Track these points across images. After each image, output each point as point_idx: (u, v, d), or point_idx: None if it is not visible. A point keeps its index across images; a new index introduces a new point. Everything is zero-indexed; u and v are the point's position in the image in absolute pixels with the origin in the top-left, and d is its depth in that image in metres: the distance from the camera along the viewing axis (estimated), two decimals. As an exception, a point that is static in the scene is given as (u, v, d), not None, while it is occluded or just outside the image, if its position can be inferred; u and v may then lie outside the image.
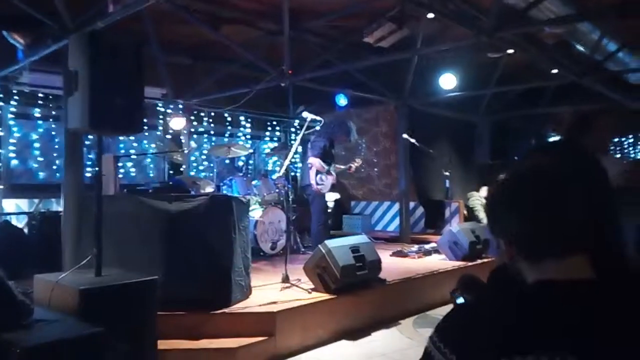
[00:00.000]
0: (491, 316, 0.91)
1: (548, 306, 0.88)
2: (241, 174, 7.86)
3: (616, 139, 11.60)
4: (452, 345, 0.90)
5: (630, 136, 12.22)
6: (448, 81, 8.31)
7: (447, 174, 8.53)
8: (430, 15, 6.28)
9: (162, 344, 3.64)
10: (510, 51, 7.58)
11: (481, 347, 0.86)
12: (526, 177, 0.98)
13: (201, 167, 9.57)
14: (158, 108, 8.90)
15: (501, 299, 0.97)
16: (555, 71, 8.08)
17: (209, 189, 6.98)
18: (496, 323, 0.89)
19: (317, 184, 6.95)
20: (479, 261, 6.88)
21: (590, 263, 0.92)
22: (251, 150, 8.72)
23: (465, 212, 9.40)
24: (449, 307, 1.14)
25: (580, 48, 7.26)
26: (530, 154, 1.03)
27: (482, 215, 9.10)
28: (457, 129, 10.50)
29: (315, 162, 6.93)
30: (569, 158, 0.97)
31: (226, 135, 10.14)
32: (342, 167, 7.78)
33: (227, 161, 8.67)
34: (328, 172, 7.03)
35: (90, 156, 6.88)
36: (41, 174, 7.70)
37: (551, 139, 11.38)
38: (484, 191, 9.43)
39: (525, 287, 0.95)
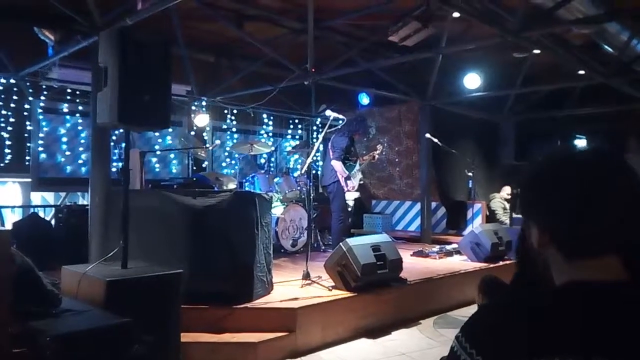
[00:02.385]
0: (520, 317, 0.88)
1: (583, 308, 0.86)
2: (263, 171, 7.92)
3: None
4: (479, 345, 0.87)
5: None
6: (472, 81, 8.24)
7: (470, 174, 8.47)
8: (456, 14, 6.24)
9: (185, 337, 3.70)
10: (536, 51, 7.48)
11: (509, 349, 0.84)
12: (576, 164, 0.93)
13: (224, 164, 9.66)
14: (183, 104, 9.00)
15: (530, 299, 0.93)
16: (582, 72, 7.96)
17: (232, 186, 7.04)
18: (525, 324, 0.86)
19: (346, 184, 6.98)
20: (501, 263, 6.81)
21: (623, 264, 0.90)
22: (273, 148, 8.76)
23: (487, 213, 9.34)
24: (470, 308, 1.11)
25: (609, 49, 7.14)
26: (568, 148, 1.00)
27: (503, 218, 9.04)
28: (481, 130, 10.42)
29: (337, 165, 6.91)
30: (610, 157, 0.94)
31: (249, 132, 10.22)
32: (367, 157, 7.79)
33: (250, 158, 8.74)
34: (348, 178, 6.99)
35: (116, 151, 7.02)
36: (68, 168, 7.85)
37: (578, 142, 11.23)
38: (505, 191, 9.36)
39: (557, 287, 0.93)
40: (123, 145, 3.81)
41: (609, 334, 0.82)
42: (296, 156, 10.74)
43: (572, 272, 0.92)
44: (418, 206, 9.56)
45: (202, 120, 8.63)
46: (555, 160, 0.97)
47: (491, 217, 9.28)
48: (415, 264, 6.49)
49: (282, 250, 7.14)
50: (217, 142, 8.55)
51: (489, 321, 0.92)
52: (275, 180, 7.62)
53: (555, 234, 0.93)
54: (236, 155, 8.37)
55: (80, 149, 7.95)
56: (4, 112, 7.31)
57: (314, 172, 6.93)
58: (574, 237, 0.91)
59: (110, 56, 3.49)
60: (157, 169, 8.77)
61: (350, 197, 7.31)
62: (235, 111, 9.71)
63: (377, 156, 7.92)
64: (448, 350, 0.94)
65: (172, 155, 8.98)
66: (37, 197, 7.66)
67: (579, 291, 0.89)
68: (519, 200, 1.11)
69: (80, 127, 7.96)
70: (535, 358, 0.82)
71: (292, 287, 4.98)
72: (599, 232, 0.90)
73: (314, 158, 5.59)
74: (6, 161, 7.33)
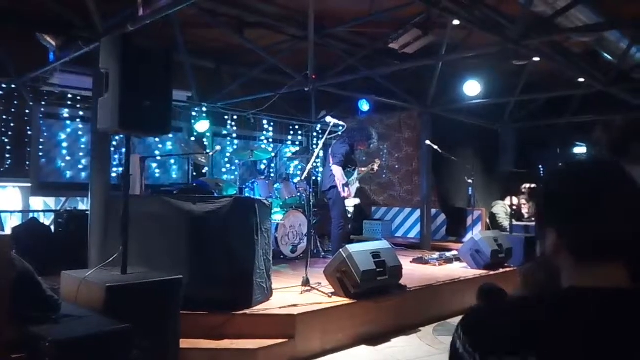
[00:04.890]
0: (519, 314, 0.93)
1: (579, 313, 0.88)
2: (263, 177, 7.92)
3: None
4: (470, 338, 0.93)
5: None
6: (472, 88, 8.26)
7: (470, 181, 8.47)
8: (456, 22, 6.26)
9: (184, 343, 3.69)
10: (536, 59, 7.51)
11: (494, 342, 0.89)
12: (593, 172, 0.98)
13: (224, 170, 9.67)
14: (183, 110, 9.02)
15: (532, 301, 0.98)
16: (581, 80, 7.98)
17: (232, 191, 7.04)
18: (521, 322, 0.90)
19: (344, 190, 6.94)
20: (501, 270, 6.81)
21: (629, 273, 0.93)
22: (273, 154, 8.78)
23: (487, 220, 9.34)
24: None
25: (608, 57, 7.17)
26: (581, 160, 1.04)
27: (506, 223, 9.03)
28: (481, 137, 10.42)
29: (337, 172, 6.90)
30: (618, 166, 0.98)
31: (249, 138, 10.24)
32: (365, 169, 7.80)
33: (250, 164, 8.75)
34: (345, 185, 6.95)
35: (116, 156, 7.03)
36: (68, 173, 7.85)
37: (577, 150, 11.24)
38: (509, 201, 9.37)
39: (557, 291, 0.96)
40: (123, 150, 3.81)
41: (601, 338, 0.84)
42: (296, 162, 10.75)
43: (577, 278, 0.95)
44: (418, 213, 9.56)
45: (202, 126, 8.65)
46: (577, 168, 1.02)
47: (492, 221, 9.29)
48: (415, 271, 6.49)
49: (282, 257, 7.13)
50: (218, 147, 8.56)
51: (481, 315, 0.98)
52: (275, 186, 7.62)
53: (569, 237, 0.97)
54: (236, 161, 8.38)
55: (81, 154, 7.95)
56: (4, 117, 7.33)
57: (314, 178, 6.94)
58: (585, 240, 0.95)
59: (111, 62, 3.50)
60: (157, 175, 8.78)
61: (350, 203, 7.30)
62: (235, 117, 9.73)
63: (376, 168, 7.93)
64: (447, 357, 0.97)
65: (172, 161, 8.99)
66: (36, 202, 7.66)
67: (576, 296, 0.92)
68: (539, 205, 1.12)
69: (80, 133, 7.97)
70: (521, 354, 0.85)
71: (291, 293, 4.97)
72: (609, 237, 0.93)
73: (314, 164, 5.58)
74: (6, 166, 7.33)
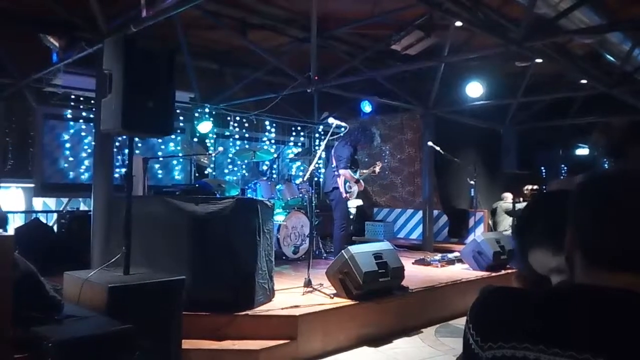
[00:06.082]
0: (511, 303, 0.96)
1: (576, 306, 0.90)
2: (265, 178, 7.93)
3: None
4: (474, 322, 0.99)
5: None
6: (474, 89, 8.25)
7: (472, 182, 8.47)
8: (459, 24, 6.26)
9: (186, 344, 3.70)
10: (539, 60, 7.50)
11: (494, 329, 0.94)
12: (620, 180, 0.98)
13: (226, 171, 9.67)
14: (186, 112, 9.04)
15: (533, 292, 1.00)
16: (584, 81, 7.97)
17: (234, 192, 7.05)
18: (512, 310, 0.94)
19: (346, 191, 6.96)
20: (503, 272, 6.81)
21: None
22: (275, 155, 8.78)
23: (490, 221, 9.33)
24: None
25: (611, 59, 7.16)
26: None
27: (505, 222, 9.04)
28: (483, 138, 10.42)
29: (346, 174, 6.93)
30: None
31: (251, 139, 10.24)
32: (366, 171, 7.80)
33: (252, 165, 8.76)
34: (357, 181, 7.04)
35: (119, 157, 7.04)
36: (71, 174, 7.87)
37: (580, 151, 11.22)
38: (507, 197, 9.37)
39: (561, 287, 0.97)
40: (126, 151, 3.82)
41: (603, 332, 0.85)
42: (298, 163, 10.75)
43: (585, 279, 0.96)
44: (420, 214, 9.56)
45: (205, 127, 8.67)
46: (604, 179, 1.01)
47: (493, 219, 9.29)
48: (417, 272, 6.48)
49: (284, 258, 7.13)
50: (220, 148, 8.57)
51: (484, 302, 1.02)
52: (277, 187, 7.62)
53: (582, 241, 0.98)
54: (238, 162, 8.39)
55: (84, 155, 7.97)
56: (8, 117, 7.34)
57: (316, 179, 6.94)
58: (596, 250, 0.95)
59: (114, 63, 3.51)
60: (160, 176, 8.79)
61: (353, 204, 7.31)
62: (238, 118, 9.74)
63: (377, 170, 7.95)
64: (450, 358, 1.00)
65: (174, 162, 9.00)
66: (36, 203, 7.67)
67: (579, 292, 0.93)
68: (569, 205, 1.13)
69: (83, 133, 7.99)
70: (531, 345, 0.88)
71: (293, 294, 4.98)
72: (619, 249, 0.93)
73: (317, 165, 5.59)
74: (9, 166, 7.35)
